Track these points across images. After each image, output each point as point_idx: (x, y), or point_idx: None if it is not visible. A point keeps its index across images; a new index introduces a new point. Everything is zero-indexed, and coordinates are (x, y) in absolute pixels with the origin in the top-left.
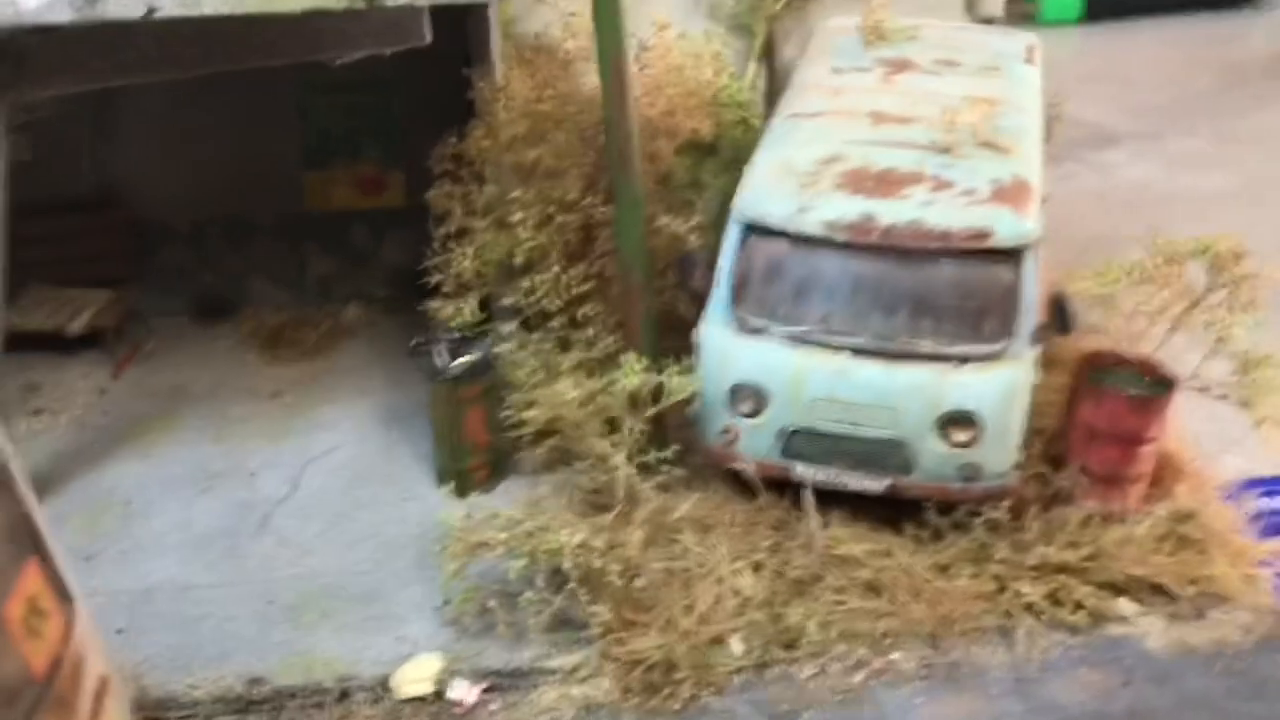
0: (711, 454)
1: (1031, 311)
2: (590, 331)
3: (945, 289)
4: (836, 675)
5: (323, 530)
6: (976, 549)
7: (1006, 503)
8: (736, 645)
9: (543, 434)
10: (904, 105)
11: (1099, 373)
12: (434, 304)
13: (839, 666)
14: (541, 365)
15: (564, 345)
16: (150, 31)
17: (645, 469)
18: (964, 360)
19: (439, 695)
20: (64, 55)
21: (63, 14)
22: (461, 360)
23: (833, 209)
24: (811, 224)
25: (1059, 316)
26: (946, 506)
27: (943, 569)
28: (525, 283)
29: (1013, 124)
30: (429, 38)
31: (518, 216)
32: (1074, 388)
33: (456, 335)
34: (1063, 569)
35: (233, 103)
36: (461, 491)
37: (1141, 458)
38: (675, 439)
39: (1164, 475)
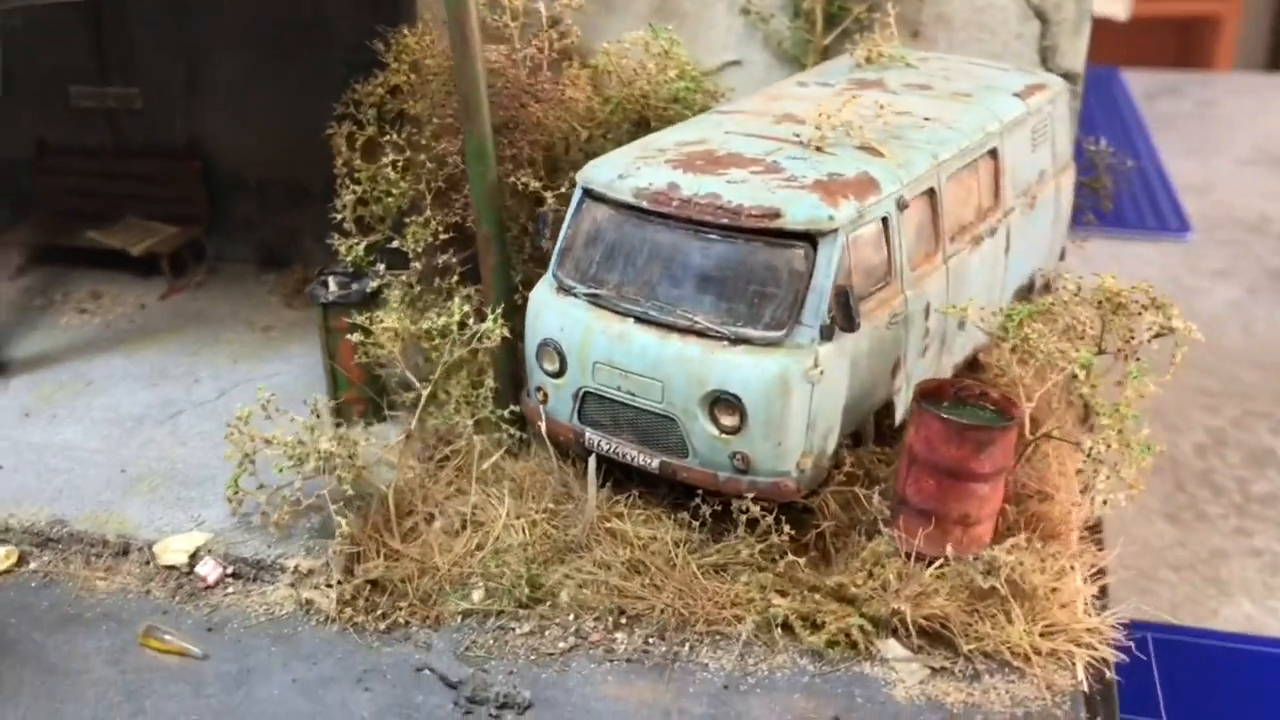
0: (529, 413)
1: (823, 303)
2: (454, 278)
3: (735, 267)
4: (549, 639)
5: (209, 431)
6: (760, 554)
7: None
8: (477, 593)
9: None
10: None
11: (936, 397)
12: (334, 239)
13: (558, 631)
14: (402, 305)
15: (438, 291)
16: None
17: (484, 426)
18: (737, 342)
19: (191, 569)
20: None
21: None
22: (337, 291)
23: (645, 178)
24: (623, 190)
25: (842, 312)
26: (719, 497)
27: (718, 568)
28: (408, 222)
29: (923, 137)
30: None
31: (389, 158)
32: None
33: (348, 271)
34: (840, 594)
35: (298, 76)
36: (340, 420)
37: (966, 494)
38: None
39: (1026, 525)
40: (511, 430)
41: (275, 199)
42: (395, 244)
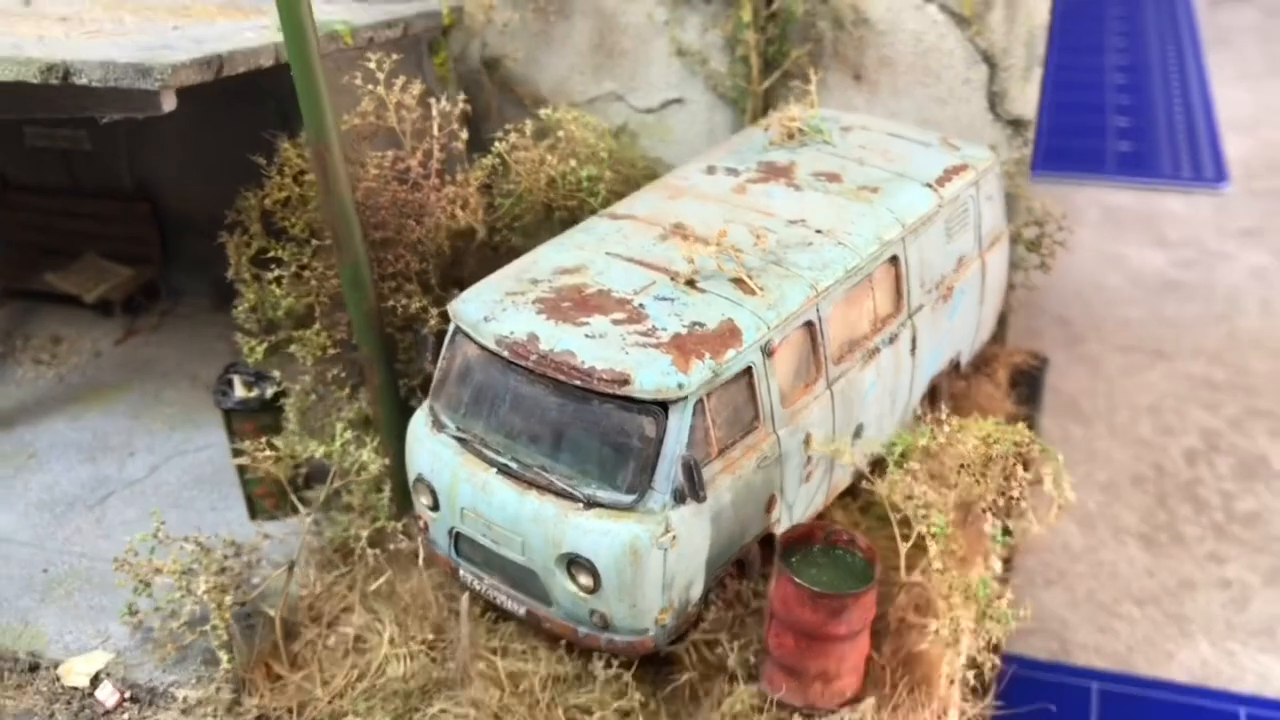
0: (415, 534)
1: (674, 468)
2: (346, 392)
3: (589, 427)
4: None
5: (134, 519)
6: (621, 704)
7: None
8: None
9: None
10: (718, 220)
11: (800, 548)
12: (238, 336)
13: None
14: (296, 417)
15: (347, 399)
16: None
17: (376, 539)
18: (591, 504)
19: (92, 692)
20: None
21: None
22: (238, 398)
23: (509, 324)
24: (487, 335)
25: (688, 484)
26: (580, 649)
27: (585, 710)
28: (297, 335)
29: (807, 260)
30: (168, 107)
31: (273, 274)
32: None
33: (251, 372)
34: None
35: (237, 120)
36: (252, 514)
37: (825, 653)
38: None
39: (899, 675)
40: (405, 543)
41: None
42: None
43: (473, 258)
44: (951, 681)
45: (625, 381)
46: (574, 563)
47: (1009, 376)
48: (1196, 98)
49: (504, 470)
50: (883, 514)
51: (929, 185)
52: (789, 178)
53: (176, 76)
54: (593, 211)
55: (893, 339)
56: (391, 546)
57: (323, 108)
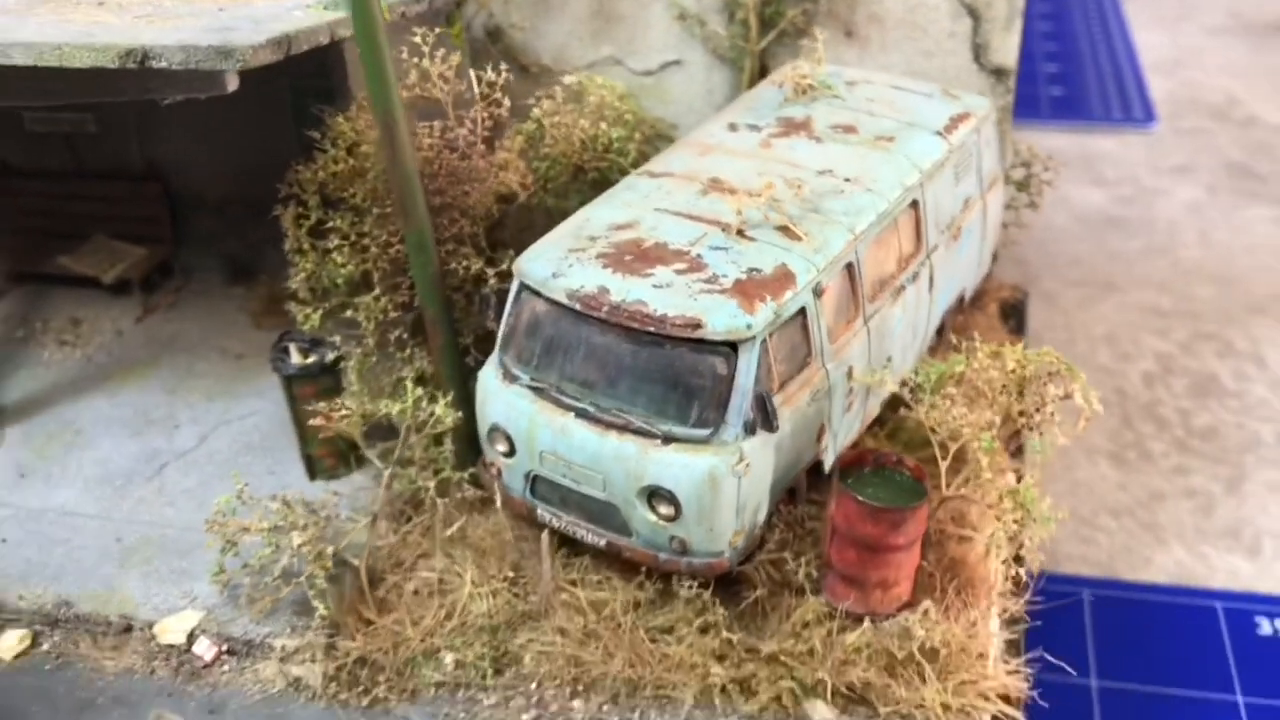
0: (486, 480)
1: (745, 403)
2: (407, 352)
3: (663, 369)
4: (514, 710)
5: (193, 487)
6: (702, 621)
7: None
8: (449, 659)
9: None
10: (751, 174)
11: (855, 470)
12: (292, 307)
13: (521, 702)
14: (360, 378)
15: (405, 359)
16: None
17: (444, 489)
18: (669, 440)
19: (189, 648)
20: None
21: None
22: (297, 363)
23: (578, 278)
24: (558, 290)
25: (762, 416)
26: (660, 574)
27: (664, 631)
28: (357, 300)
29: (841, 206)
30: (232, 87)
31: (334, 243)
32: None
33: (306, 339)
34: (774, 659)
35: (250, 100)
36: (312, 474)
37: (884, 563)
38: None
39: (941, 578)
40: (471, 491)
41: (237, 215)
42: (349, 312)
43: (512, 220)
44: (993, 583)
45: (698, 325)
46: (655, 494)
47: (999, 310)
48: (1119, 42)
49: (582, 414)
50: (909, 439)
51: (938, 133)
52: (809, 131)
53: (255, 57)
54: (622, 171)
55: (915, 277)
56: (458, 495)
57: (389, 81)
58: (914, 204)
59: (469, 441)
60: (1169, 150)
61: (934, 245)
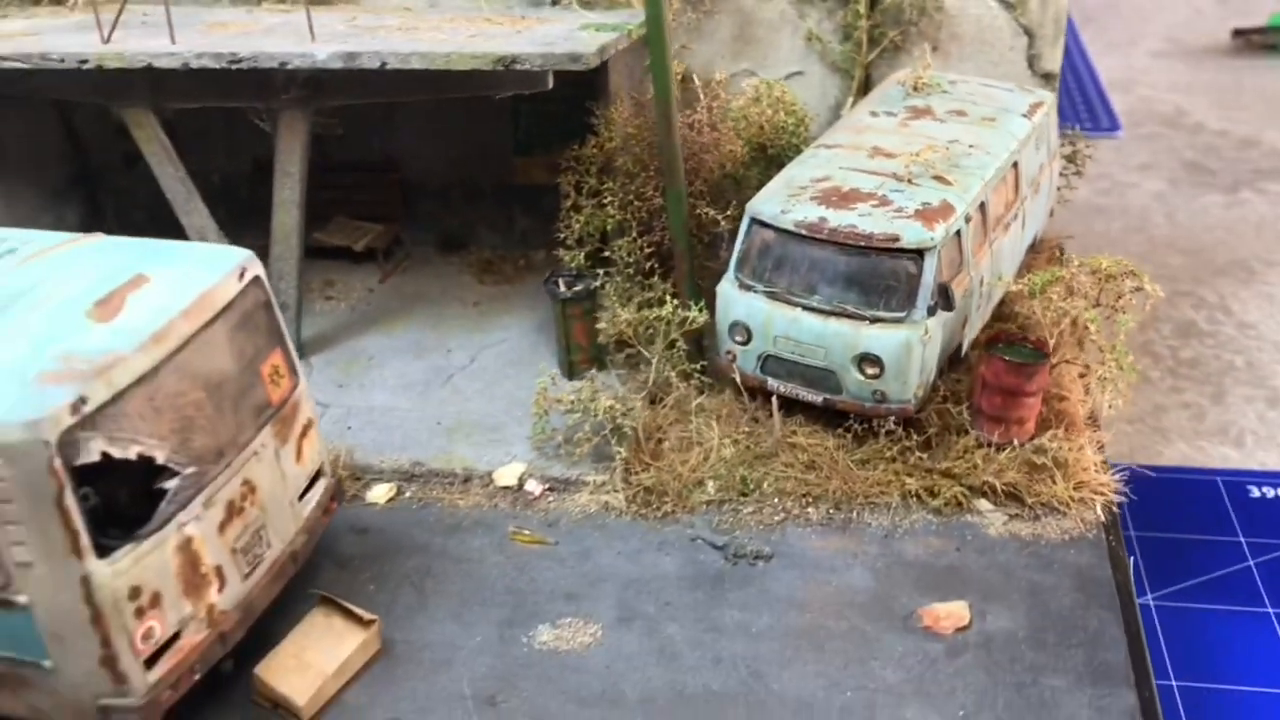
0: (720, 368)
1: (929, 292)
2: (654, 280)
3: (870, 272)
4: (766, 515)
5: (481, 389)
6: (891, 452)
7: (907, 416)
8: (710, 486)
9: (623, 343)
10: (900, 144)
11: (996, 343)
12: (560, 252)
13: (770, 510)
14: (619, 298)
15: (644, 286)
16: (385, 73)
17: (684, 375)
18: (875, 320)
19: (520, 487)
20: (338, 84)
21: (336, 63)
22: (570, 290)
23: (802, 212)
24: (787, 221)
25: (942, 298)
26: (864, 418)
27: (864, 462)
28: (617, 243)
29: (972, 163)
30: (549, 84)
31: (608, 200)
32: (979, 353)
33: (573, 273)
34: (947, 474)
35: (471, 107)
36: (570, 375)
37: (1020, 405)
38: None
39: (1053, 420)
40: (701, 379)
41: (454, 199)
42: (605, 254)
43: (713, 184)
44: (1085, 423)
45: (896, 239)
46: (864, 359)
47: (1047, 256)
48: (1081, 65)
49: (808, 308)
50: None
51: (1024, 115)
52: (933, 115)
53: (591, 60)
54: (795, 149)
55: (1016, 216)
56: (694, 380)
57: (669, 78)
58: (1015, 165)
59: (697, 344)
60: (1134, 152)
61: (1024, 196)
